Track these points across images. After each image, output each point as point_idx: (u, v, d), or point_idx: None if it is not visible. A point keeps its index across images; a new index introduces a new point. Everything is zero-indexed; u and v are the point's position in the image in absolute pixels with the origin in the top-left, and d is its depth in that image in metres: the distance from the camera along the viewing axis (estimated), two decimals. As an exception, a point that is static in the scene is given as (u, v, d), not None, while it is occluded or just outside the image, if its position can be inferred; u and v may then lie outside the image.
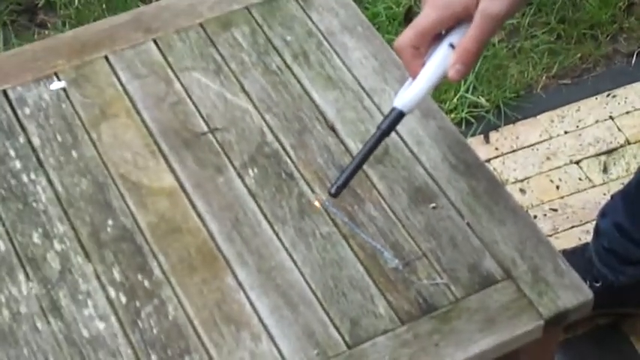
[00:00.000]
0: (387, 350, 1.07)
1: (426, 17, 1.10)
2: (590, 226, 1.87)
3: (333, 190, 1.10)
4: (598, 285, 1.75)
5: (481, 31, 1.08)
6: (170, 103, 1.28)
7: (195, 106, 1.28)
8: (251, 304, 1.11)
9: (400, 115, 1.11)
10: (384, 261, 1.13)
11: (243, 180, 1.21)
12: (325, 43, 1.34)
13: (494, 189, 1.21)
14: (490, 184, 1.21)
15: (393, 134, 1.21)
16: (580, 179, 2.05)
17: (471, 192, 1.20)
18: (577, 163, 2.08)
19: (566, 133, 2.13)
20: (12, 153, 1.23)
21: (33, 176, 1.21)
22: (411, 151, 1.23)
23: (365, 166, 1.19)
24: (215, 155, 1.23)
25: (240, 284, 1.12)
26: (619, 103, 2.17)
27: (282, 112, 1.27)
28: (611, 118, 2.15)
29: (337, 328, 1.09)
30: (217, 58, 1.33)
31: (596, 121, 2.15)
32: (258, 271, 1.13)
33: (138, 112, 1.27)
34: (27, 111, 1.27)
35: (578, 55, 2.28)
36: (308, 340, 1.08)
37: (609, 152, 2.09)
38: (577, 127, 2.14)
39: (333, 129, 1.25)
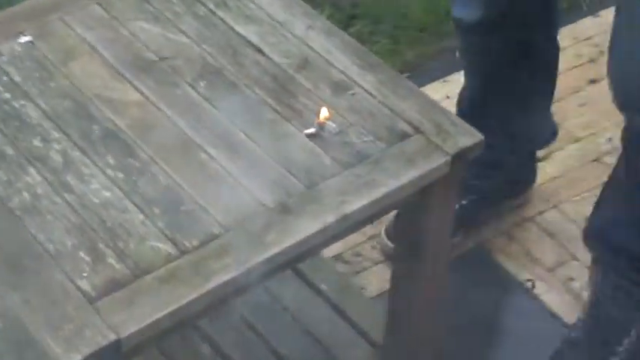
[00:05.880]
0: (337, 187, 1.37)
1: None
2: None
3: None
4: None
5: None
6: (123, 44, 1.56)
7: (144, 44, 1.56)
8: (223, 167, 1.39)
9: None
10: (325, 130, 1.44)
11: (196, 90, 1.50)
12: (240, -6, 1.66)
13: (397, 79, 1.54)
14: (392, 76, 1.54)
15: (306, 49, 1.54)
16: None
17: (378, 82, 1.53)
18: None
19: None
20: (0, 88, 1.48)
21: (22, 102, 1.46)
22: (325, 59, 1.56)
23: (292, 72, 1.51)
24: (169, 76, 1.52)
25: (211, 157, 1.40)
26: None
27: (215, 43, 1.57)
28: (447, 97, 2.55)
29: (294, 175, 1.38)
30: (153, 10, 1.62)
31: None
32: (225, 148, 1.42)
33: (98, 52, 1.54)
34: (4, 59, 1.53)
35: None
36: (272, 184, 1.37)
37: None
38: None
39: (260, 51, 1.56)
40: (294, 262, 1.34)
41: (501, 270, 2.15)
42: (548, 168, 2.33)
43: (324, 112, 1.44)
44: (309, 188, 1.37)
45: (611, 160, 2.38)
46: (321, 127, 1.44)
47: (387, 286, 2.10)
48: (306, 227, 1.32)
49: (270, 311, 1.81)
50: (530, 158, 2.17)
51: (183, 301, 1.23)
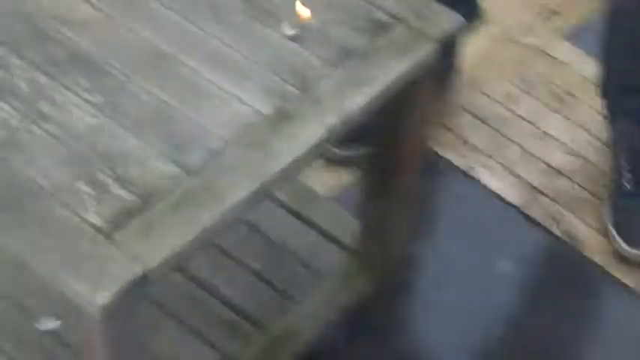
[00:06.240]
0: (333, 87, 1.30)
1: None
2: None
3: None
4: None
5: None
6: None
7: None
8: (207, 79, 1.30)
9: None
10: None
11: (158, 1, 1.38)
12: None
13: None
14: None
15: None
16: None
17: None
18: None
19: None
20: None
21: (-32, 29, 1.32)
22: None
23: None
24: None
25: (192, 69, 1.30)
26: None
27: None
28: None
29: (284, 79, 1.31)
30: None
31: None
32: (204, 58, 1.32)
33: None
34: None
35: None
36: (264, 90, 1.29)
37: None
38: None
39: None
40: (302, 169, 1.27)
41: (441, 160, 2.13)
42: (467, 53, 2.31)
43: (302, 11, 1.35)
44: (304, 91, 1.30)
45: (525, 39, 2.39)
46: (301, 26, 1.36)
47: (332, 189, 2.07)
48: (310, 131, 1.25)
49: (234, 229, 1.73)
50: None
51: (203, 225, 1.14)
